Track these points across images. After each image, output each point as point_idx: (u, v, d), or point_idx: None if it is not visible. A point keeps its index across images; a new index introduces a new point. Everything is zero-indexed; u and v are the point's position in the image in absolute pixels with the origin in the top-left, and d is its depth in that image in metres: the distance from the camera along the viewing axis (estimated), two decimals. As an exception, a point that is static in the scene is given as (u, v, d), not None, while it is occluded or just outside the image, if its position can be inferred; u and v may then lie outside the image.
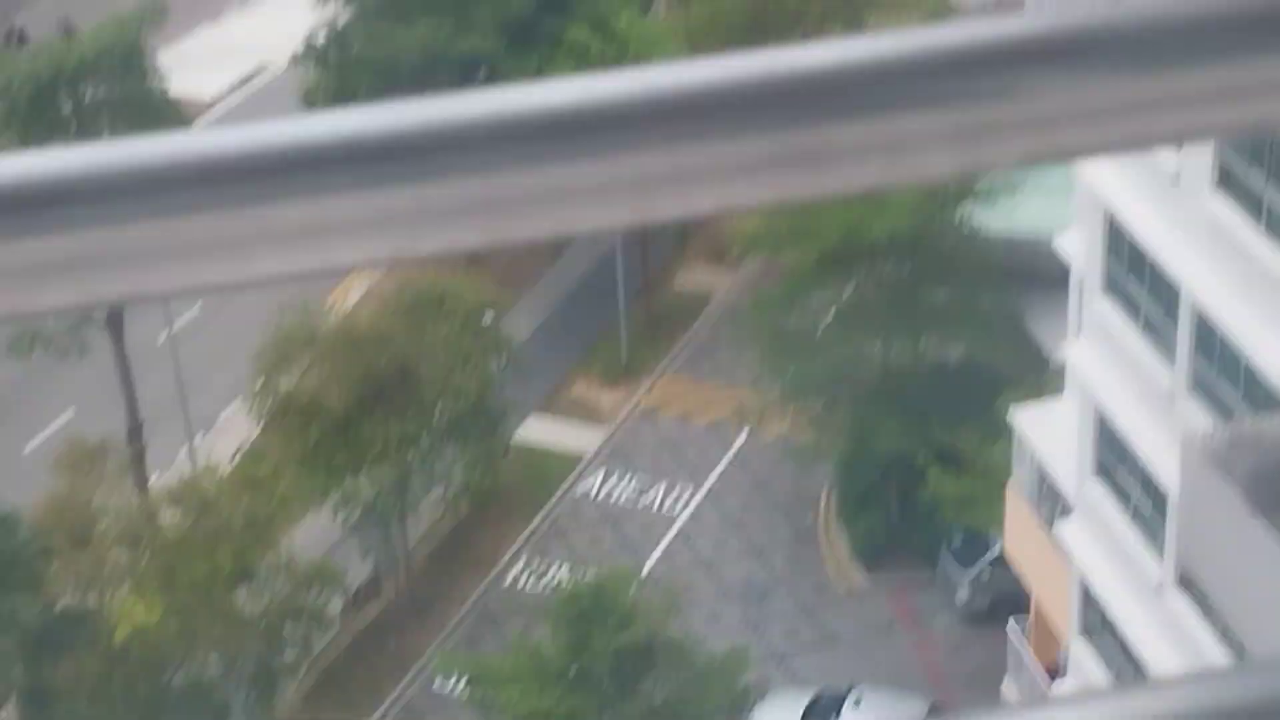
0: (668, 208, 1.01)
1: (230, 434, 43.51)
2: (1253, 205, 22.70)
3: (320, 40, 47.49)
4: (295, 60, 47.91)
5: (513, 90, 1.00)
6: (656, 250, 47.14)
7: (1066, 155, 1.05)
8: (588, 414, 45.07)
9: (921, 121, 1.01)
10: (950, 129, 1.01)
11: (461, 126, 0.99)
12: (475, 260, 47.87)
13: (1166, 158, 24.01)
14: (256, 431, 40.89)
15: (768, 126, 1.00)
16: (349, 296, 47.17)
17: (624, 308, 45.53)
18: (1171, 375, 24.90)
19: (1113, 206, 25.50)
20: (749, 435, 43.41)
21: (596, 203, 1.00)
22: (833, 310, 40.41)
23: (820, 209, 37.83)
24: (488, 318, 40.49)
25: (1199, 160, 23.31)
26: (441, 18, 45.86)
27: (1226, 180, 23.24)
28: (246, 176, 0.98)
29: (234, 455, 41.94)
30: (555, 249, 47.87)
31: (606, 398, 45.51)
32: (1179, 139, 1.07)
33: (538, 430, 44.05)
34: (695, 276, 48.61)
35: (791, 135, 1.00)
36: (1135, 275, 25.77)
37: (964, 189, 38.45)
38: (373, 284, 47.18)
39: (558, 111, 0.99)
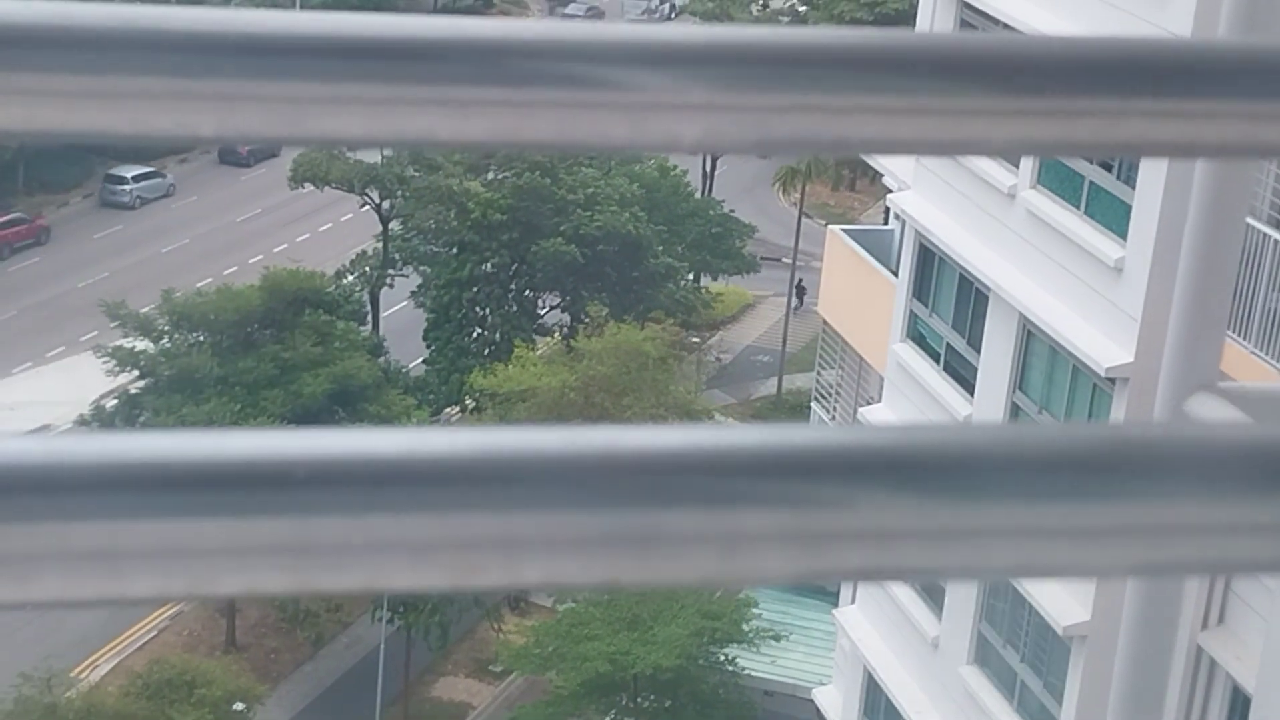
0: (492, 575, 0.95)
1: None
2: (1006, 681, 22.98)
3: (109, 406, 47.19)
4: (81, 422, 47.49)
5: (340, 433, 0.94)
6: (419, 654, 46.41)
7: (905, 574, 1.02)
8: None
9: (760, 520, 0.98)
10: (789, 531, 0.98)
11: (278, 463, 0.93)
12: (234, 646, 46.76)
13: (926, 623, 24.36)
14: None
15: (603, 504, 0.96)
16: (96, 671, 45.66)
17: (380, 711, 44.51)
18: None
19: (871, 665, 25.67)
20: None
21: (415, 561, 0.95)
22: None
23: (587, 636, 37.70)
24: (239, 707, 39.39)
25: (960, 629, 23.67)
26: (232, 399, 45.96)
27: (982, 657, 23.55)
28: (38, 489, 0.90)
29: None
30: (316, 641, 47.04)
31: (348, 804, 44.09)
32: (1014, 572, 1.05)
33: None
34: (455, 686, 47.83)
35: (626, 516, 0.96)
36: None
37: (731, 632, 38.67)
38: (122, 659, 45.77)
39: (384, 460, 0.94)
